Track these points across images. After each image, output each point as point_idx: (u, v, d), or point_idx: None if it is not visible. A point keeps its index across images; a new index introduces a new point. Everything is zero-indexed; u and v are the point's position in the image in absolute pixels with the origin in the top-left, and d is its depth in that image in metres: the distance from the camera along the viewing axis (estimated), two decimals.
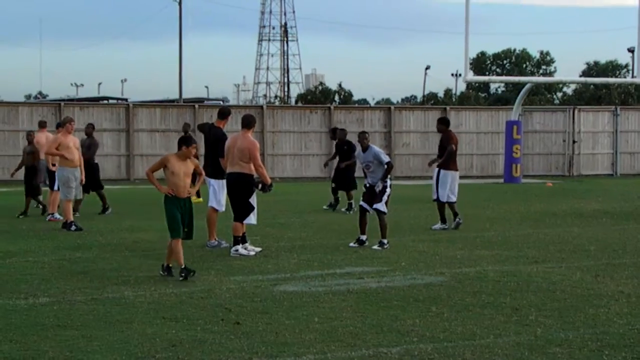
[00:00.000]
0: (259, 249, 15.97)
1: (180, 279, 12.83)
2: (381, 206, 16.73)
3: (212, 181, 16.75)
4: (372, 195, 16.85)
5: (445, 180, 20.09)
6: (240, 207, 15.86)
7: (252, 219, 16.06)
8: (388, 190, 16.84)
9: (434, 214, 20.73)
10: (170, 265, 13.38)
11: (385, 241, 16.57)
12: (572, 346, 8.88)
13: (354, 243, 16.83)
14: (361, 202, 17.09)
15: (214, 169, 16.66)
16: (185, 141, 13.54)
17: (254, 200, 15.95)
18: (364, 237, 16.83)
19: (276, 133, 44.30)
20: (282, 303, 11.19)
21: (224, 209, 16.73)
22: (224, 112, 17.31)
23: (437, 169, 20.26)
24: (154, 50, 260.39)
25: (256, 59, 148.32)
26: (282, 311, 10.68)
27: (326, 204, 25.34)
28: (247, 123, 16.12)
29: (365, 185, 17.18)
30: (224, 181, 16.33)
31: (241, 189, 15.81)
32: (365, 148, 17.09)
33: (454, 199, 20.21)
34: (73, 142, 20.25)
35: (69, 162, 20.05)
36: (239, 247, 15.74)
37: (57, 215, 21.65)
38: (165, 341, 9.12)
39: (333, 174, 25.68)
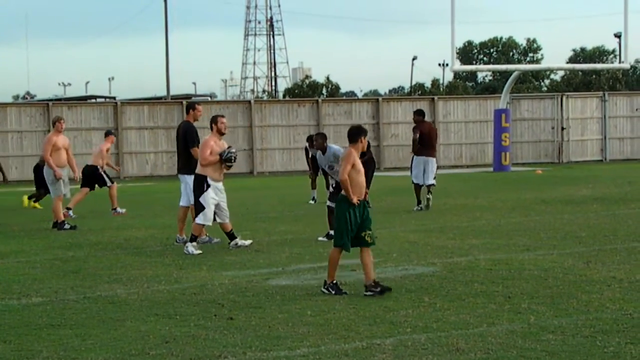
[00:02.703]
0: (248, 242, 16.01)
1: (368, 294, 11.07)
2: None
3: (182, 176, 16.84)
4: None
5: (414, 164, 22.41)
6: (195, 205, 15.83)
7: (200, 218, 15.65)
8: None
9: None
10: (335, 281, 11.39)
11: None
12: (565, 333, 8.90)
13: (324, 237, 16.71)
14: (328, 203, 16.93)
15: (183, 164, 16.74)
16: (361, 131, 11.69)
17: (204, 200, 15.55)
18: (332, 232, 16.64)
19: (264, 127, 44.30)
20: (274, 297, 11.19)
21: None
22: (188, 106, 17.38)
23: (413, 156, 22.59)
24: (140, 47, 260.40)
25: (243, 54, 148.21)
26: (274, 305, 10.68)
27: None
28: (211, 123, 16.09)
29: (332, 185, 16.98)
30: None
31: (193, 188, 15.82)
32: (323, 150, 16.78)
33: (415, 181, 22.25)
34: (62, 142, 20.26)
35: (58, 161, 20.01)
36: (188, 244, 15.52)
37: (119, 210, 23.22)
38: (159, 338, 9.12)
39: None
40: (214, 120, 15.94)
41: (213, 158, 15.51)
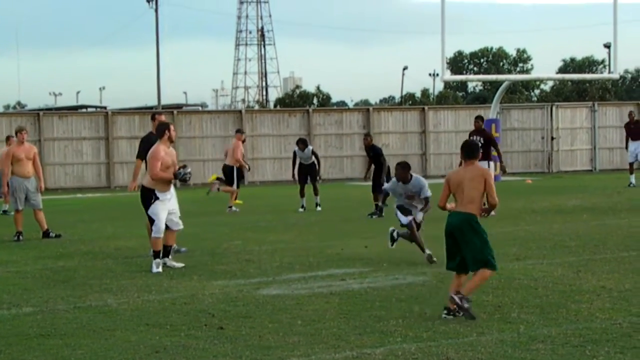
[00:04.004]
0: (180, 265, 14.98)
1: (456, 299, 10.27)
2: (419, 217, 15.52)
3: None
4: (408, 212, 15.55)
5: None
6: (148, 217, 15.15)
7: (153, 231, 14.86)
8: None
9: None
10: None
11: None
12: (555, 342, 8.93)
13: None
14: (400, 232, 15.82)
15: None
16: (478, 146, 11.28)
17: (153, 212, 14.78)
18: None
19: (255, 137, 44.30)
20: (265, 307, 11.20)
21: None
22: (151, 117, 17.38)
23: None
24: (131, 57, 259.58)
25: (234, 64, 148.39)
26: (265, 315, 10.70)
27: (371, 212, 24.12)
28: (159, 133, 15.20)
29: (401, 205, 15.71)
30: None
31: (142, 200, 15.12)
32: (406, 180, 15.17)
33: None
34: (25, 152, 20.02)
35: (19, 172, 19.86)
36: (157, 260, 14.67)
37: (233, 208, 26.05)
38: (149, 348, 9.12)
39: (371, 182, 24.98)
40: (166, 127, 14.90)
41: (166, 175, 14.74)
